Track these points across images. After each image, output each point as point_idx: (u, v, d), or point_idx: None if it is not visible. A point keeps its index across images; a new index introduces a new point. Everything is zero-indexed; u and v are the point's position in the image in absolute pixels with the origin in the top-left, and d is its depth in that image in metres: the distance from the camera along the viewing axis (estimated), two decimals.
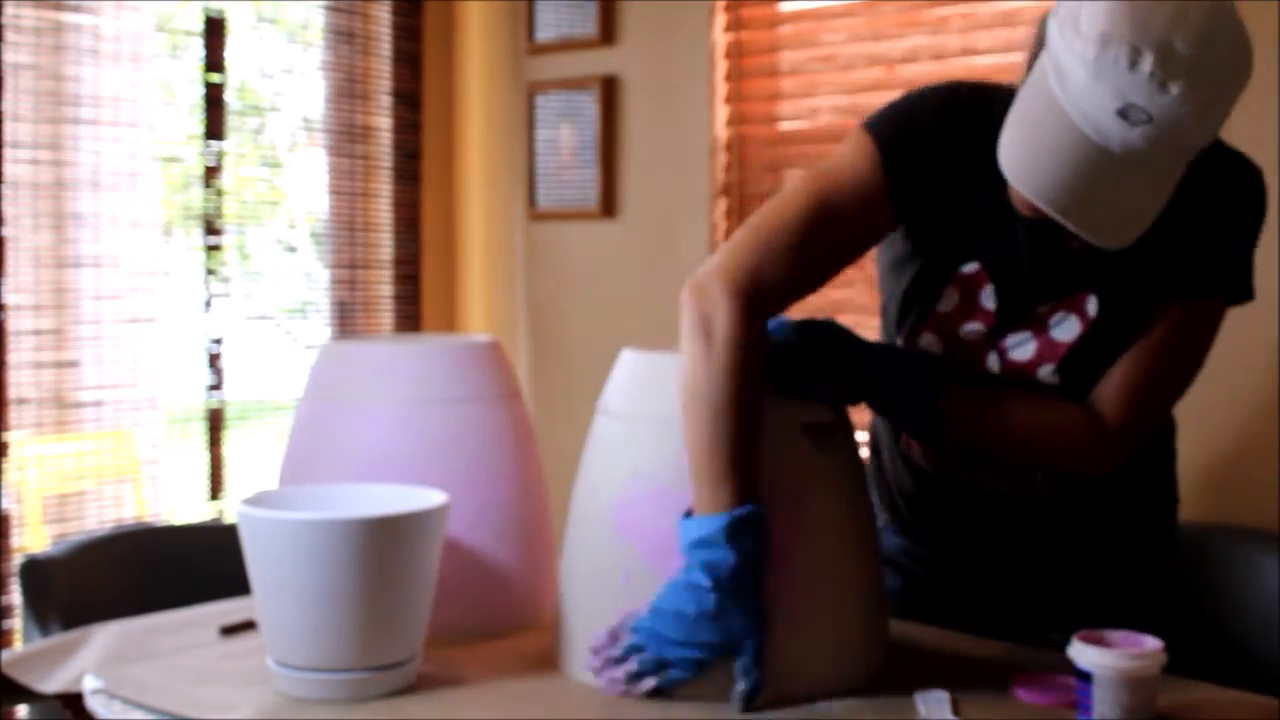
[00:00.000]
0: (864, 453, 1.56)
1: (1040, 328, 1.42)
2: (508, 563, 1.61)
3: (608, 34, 3.27)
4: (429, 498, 1.43)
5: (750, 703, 1.28)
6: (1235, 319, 2.36)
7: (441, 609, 1.48)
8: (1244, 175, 1.41)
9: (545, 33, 3.38)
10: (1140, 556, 1.60)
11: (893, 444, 1.61)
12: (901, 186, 1.39)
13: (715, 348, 1.31)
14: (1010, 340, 1.43)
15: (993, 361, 1.45)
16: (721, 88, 3.14)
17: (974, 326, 1.44)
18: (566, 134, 3.36)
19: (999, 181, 1.30)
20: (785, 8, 3.07)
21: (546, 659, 1.48)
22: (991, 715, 1.29)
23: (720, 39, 3.13)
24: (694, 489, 1.29)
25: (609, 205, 3.30)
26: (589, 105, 3.30)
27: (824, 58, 2.98)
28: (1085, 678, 1.21)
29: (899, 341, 1.50)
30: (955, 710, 1.29)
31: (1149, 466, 1.59)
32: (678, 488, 1.33)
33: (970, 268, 1.44)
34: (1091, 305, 1.41)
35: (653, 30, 3.20)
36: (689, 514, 1.30)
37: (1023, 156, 1.22)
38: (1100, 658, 1.20)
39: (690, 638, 1.27)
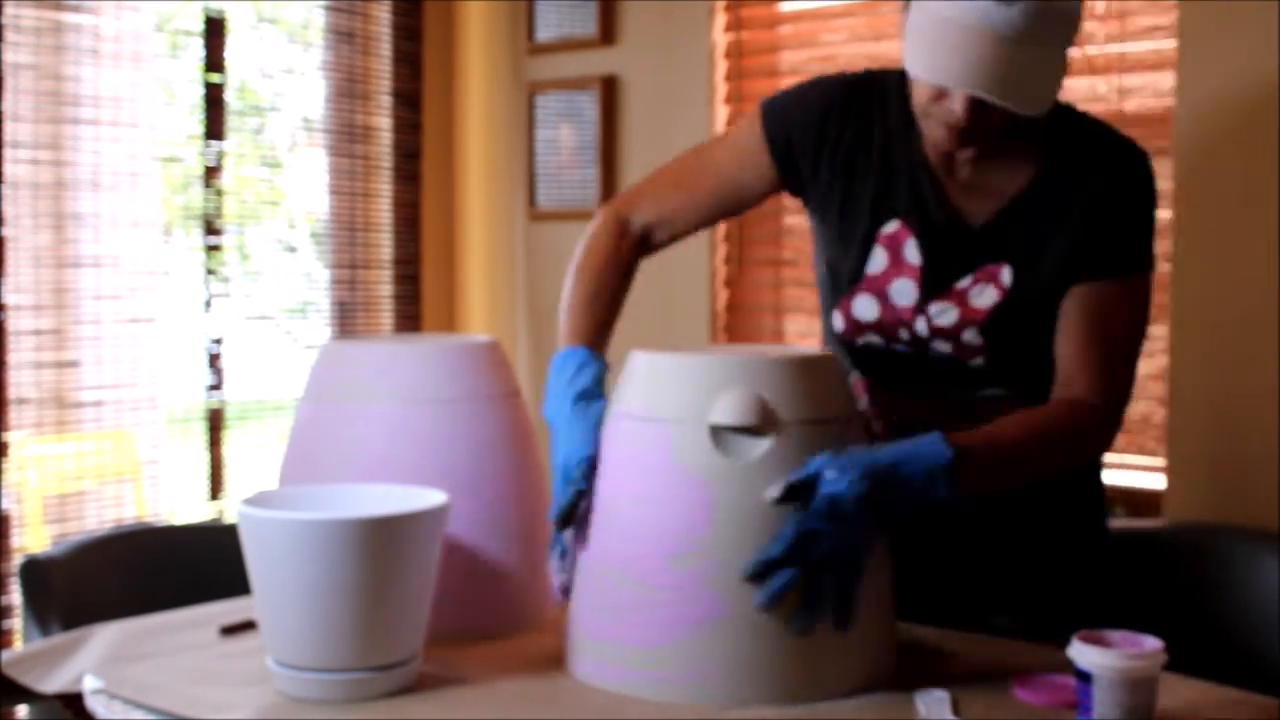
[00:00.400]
0: None
1: (961, 298, 1.53)
2: (508, 563, 1.61)
3: (608, 34, 3.27)
4: (429, 498, 1.43)
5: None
6: (1236, 319, 2.36)
7: (441, 609, 1.48)
8: (1134, 163, 1.52)
9: (545, 33, 3.38)
10: (1072, 537, 1.64)
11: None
12: (777, 131, 1.59)
13: (583, 252, 1.64)
14: (934, 308, 1.54)
15: (920, 326, 1.55)
16: (721, 88, 3.14)
17: (902, 283, 1.55)
18: (566, 134, 3.36)
19: (902, 143, 1.53)
20: (785, 8, 3.07)
21: (546, 659, 1.48)
22: (991, 715, 1.29)
23: (720, 39, 3.13)
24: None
25: None
26: (589, 105, 3.30)
27: (824, 58, 2.98)
28: (1085, 678, 1.21)
29: (837, 311, 1.60)
30: (955, 710, 1.29)
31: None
32: (690, 488, 1.32)
33: (891, 226, 1.55)
34: (1006, 275, 1.52)
35: (653, 30, 3.20)
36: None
37: (928, 57, 1.37)
38: (1100, 658, 1.20)
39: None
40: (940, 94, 1.41)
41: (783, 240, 3.08)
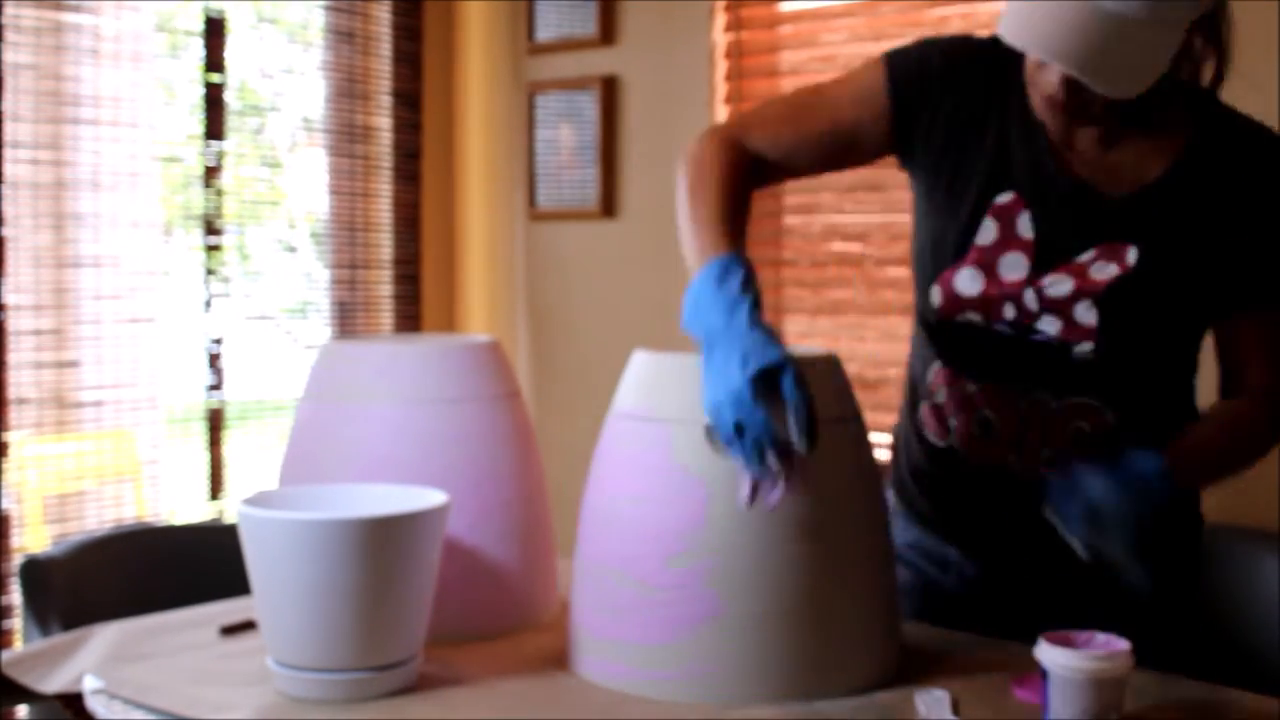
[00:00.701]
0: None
1: (1079, 272, 1.45)
2: (508, 563, 1.61)
3: (608, 34, 3.27)
4: (429, 498, 1.42)
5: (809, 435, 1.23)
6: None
7: (441, 609, 1.48)
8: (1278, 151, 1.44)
9: (545, 33, 3.38)
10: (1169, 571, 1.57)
11: (908, 422, 1.62)
12: (903, 85, 1.48)
13: (697, 166, 1.46)
14: (1048, 279, 1.45)
15: (1029, 299, 1.46)
16: (721, 88, 3.14)
17: (1013, 256, 1.46)
18: (566, 134, 3.36)
19: (1026, 115, 1.43)
20: (785, 8, 3.07)
21: (546, 659, 1.48)
22: (991, 715, 1.29)
23: (720, 39, 3.13)
24: (692, 263, 1.38)
25: (609, 205, 3.30)
26: (589, 105, 3.30)
27: (824, 58, 2.98)
28: (1050, 678, 1.20)
29: (936, 285, 1.50)
30: (955, 710, 1.29)
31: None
32: (689, 487, 1.32)
33: (1005, 198, 1.47)
34: (1131, 255, 1.43)
35: (653, 30, 3.20)
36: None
37: (1024, 22, 1.30)
38: (1059, 657, 1.19)
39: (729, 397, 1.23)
40: (1039, 62, 1.35)
41: (783, 240, 3.09)
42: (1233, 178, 1.42)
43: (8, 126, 2.78)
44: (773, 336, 1.25)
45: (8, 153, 2.78)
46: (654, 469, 1.35)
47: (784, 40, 3.06)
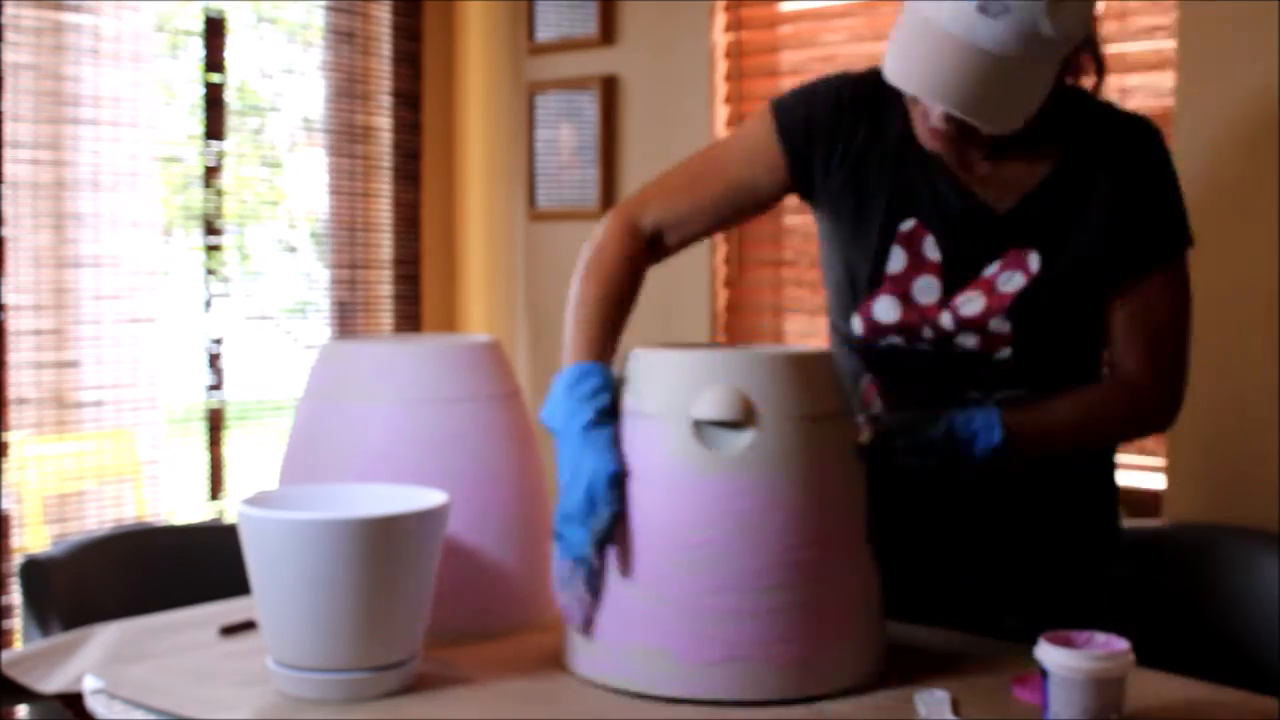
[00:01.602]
0: None
1: (988, 286, 1.51)
2: (508, 563, 1.61)
3: (608, 34, 3.27)
4: (429, 498, 1.43)
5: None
6: (1236, 319, 2.36)
7: (441, 609, 1.48)
8: (1147, 136, 1.52)
9: (545, 33, 3.38)
10: (1086, 538, 1.63)
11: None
12: (792, 131, 1.56)
13: (591, 257, 1.55)
14: (960, 299, 1.52)
15: (946, 320, 1.52)
16: (721, 88, 3.14)
17: (924, 280, 1.53)
18: (566, 134, 3.36)
19: (914, 142, 1.48)
20: (785, 8, 3.07)
21: (546, 659, 1.48)
22: (991, 715, 1.29)
23: (720, 39, 3.13)
24: (563, 359, 1.49)
25: (609, 205, 3.30)
26: (589, 105, 3.30)
27: (824, 58, 2.98)
28: (1050, 678, 1.20)
29: (856, 314, 1.57)
30: (955, 710, 1.29)
31: (1090, 458, 1.65)
32: (691, 484, 1.33)
33: (907, 225, 1.53)
34: (1033, 261, 1.50)
35: (653, 30, 3.20)
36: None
37: (906, 64, 1.34)
38: (1059, 657, 1.19)
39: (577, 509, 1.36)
40: (914, 100, 1.42)
41: (783, 240, 3.08)
42: (1103, 168, 1.49)
43: (8, 126, 2.78)
44: (610, 444, 1.37)
45: (8, 153, 2.78)
46: (652, 467, 1.35)
47: (784, 40, 3.06)
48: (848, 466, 1.40)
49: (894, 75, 1.36)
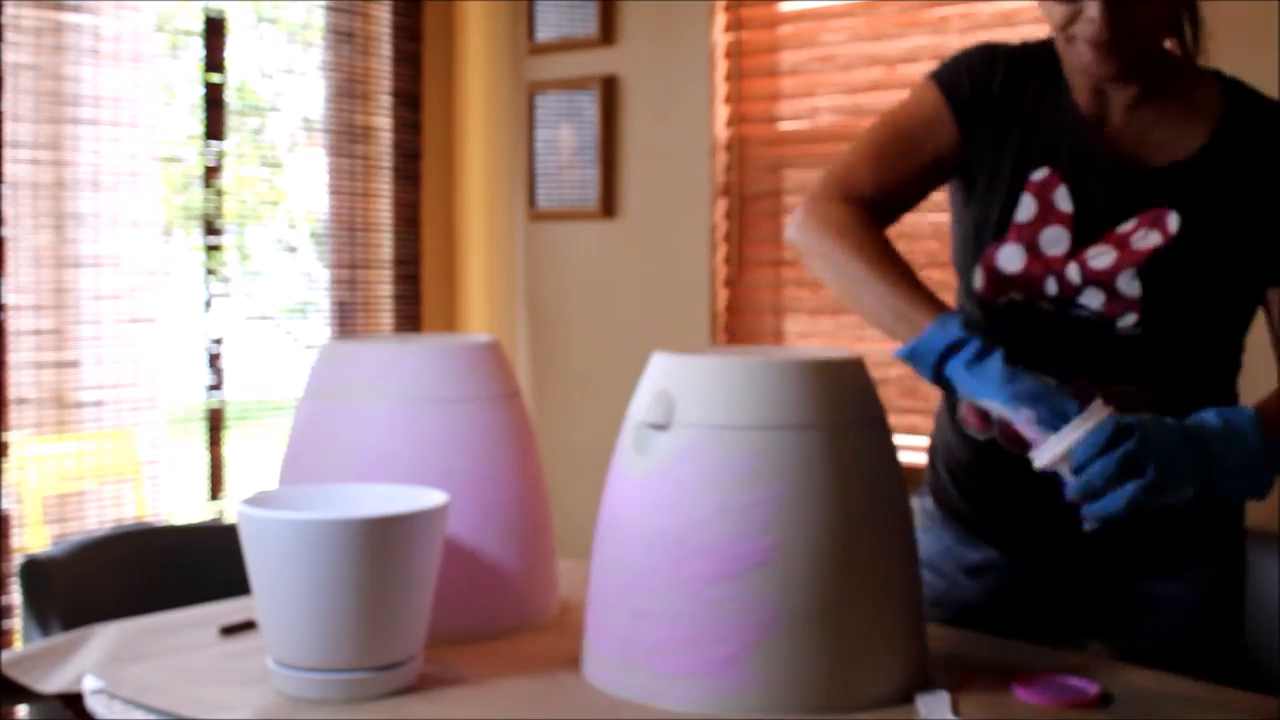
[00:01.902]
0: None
1: (1121, 242, 1.46)
2: (508, 563, 1.61)
3: (608, 34, 3.27)
4: (429, 498, 1.42)
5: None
6: None
7: (441, 609, 1.48)
8: None
9: (545, 33, 3.38)
10: (1201, 560, 1.58)
11: (947, 423, 1.62)
12: (957, 96, 1.53)
13: (847, 232, 1.47)
14: (1090, 252, 1.47)
15: (1072, 272, 1.47)
16: (721, 88, 3.14)
17: (1053, 231, 1.48)
18: (566, 134, 3.36)
19: (1056, 98, 1.49)
20: (785, 8, 3.07)
21: (546, 659, 1.48)
22: (992, 715, 1.29)
23: (720, 39, 3.13)
24: (910, 329, 1.38)
25: (609, 205, 3.30)
26: (589, 105, 3.30)
27: (824, 58, 2.99)
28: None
29: (978, 267, 1.52)
30: (955, 710, 1.29)
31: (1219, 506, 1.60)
32: (711, 491, 1.31)
33: (1040, 174, 1.49)
34: (1172, 221, 1.44)
35: (653, 30, 3.21)
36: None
37: None
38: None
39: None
40: (1075, 12, 1.38)
41: (783, 240, 3.08)
42: (1266, 152, 1.44)
43: (8, 126, 2.78)
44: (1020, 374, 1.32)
45: (8, 153, 2.78)
46: (675, 475, 1.34)
47: (784, 40, 3.06)
48: (883, 472, 1.37)
49: None
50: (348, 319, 3.49)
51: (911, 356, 1.37)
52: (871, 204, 1.52)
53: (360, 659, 1.34)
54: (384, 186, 3.54)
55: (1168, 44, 1.49)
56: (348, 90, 3.45)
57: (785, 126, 3.08)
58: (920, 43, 2.83)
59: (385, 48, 3.51)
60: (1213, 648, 1.54)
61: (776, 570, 1.29)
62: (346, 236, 3.48)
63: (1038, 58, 1.52)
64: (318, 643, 1.33)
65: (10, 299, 2.80)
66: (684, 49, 3.15)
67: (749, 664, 1.29)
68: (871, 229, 1.47)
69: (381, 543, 1.33)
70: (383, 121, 3.52)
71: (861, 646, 1.31)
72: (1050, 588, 1.59)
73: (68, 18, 2.88)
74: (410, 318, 3.59)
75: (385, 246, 3.55)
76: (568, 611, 1.67)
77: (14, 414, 2.80)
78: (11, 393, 2.80)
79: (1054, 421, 1.30)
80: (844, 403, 1.33)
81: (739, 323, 3.15)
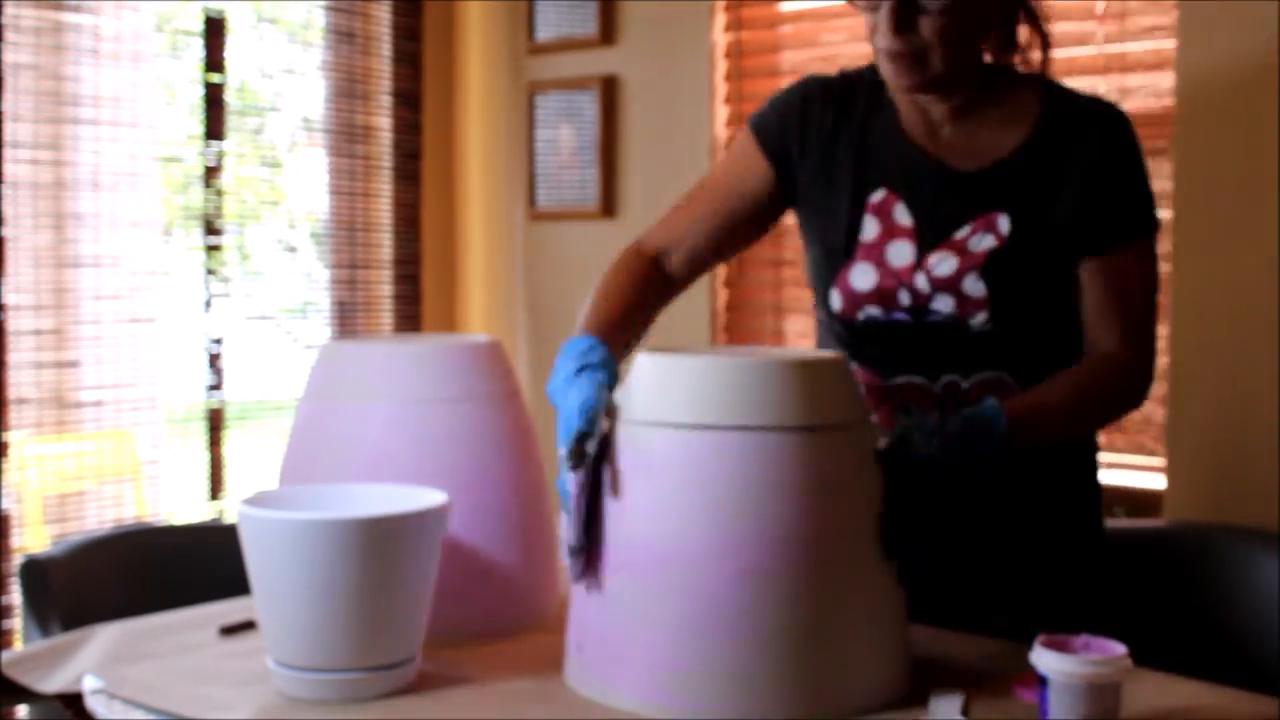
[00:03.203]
0: None
1: (959, 247, 1.55)
2: (508, 563, 1.61)
3: (608, 34, 3.27)
4: (429, 498, 1.42)
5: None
6: (1236, 319, 2.36)
7: (441, 609, 1.48)
8: (1113, 119, 1.56)
9: (545, 33, 3.38)
10: (1071, 536, 1.64)
11: None
12: (769, 137, 1.64)
13: (606, 275, 1.62)
14: (932, 259, 1.56)
15: (920, 282, 1.56)
16: (721, 88, 3.14)
17: (898, 245, 1.57)
18: (566, 134, 3.36)
19: (879, 119, 1.59)
20: (785, 8, 3.07)
21: (547, 659, 1.48)
22: (992, 715, 1.29)
23: (720, 39, 3.13)
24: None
25: (609, 205, 3.30)
26: (589, 105, 3.30)
27: (824, 58, 2.98)
28: (1048, 683, 1.20)
29: (834, 289, 1.60)
30: (965, 711, 1.29)
31: (1076, 451, 1.66)
32: (697, 493, 1.31)
33: (878, 195, 1.59)
34: (1003, 223, 1.54)
35: (653, 30, 3.20)
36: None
37: None
38: (1056, 663, 1.19)
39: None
40: (874, 24, 1.51)
41: (783, 240, 3.08)
42: (1077, 144, 1.54)
43: (8, 126, 2.78)
44: (598, 387, 1.37)
45: (8, 153, 2.78)
46: (658, 477, 1.34)
47: (784, 40, 3.06)
48: (863, 474, 1.37)
49: None
50: (348, 319, 3.49)
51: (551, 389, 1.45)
52: (658, 254, 1.67)
53: (360, 659, 1.34)
54: (384, 186, 3.53)
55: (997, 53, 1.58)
56: (348, 90, 3.45)
57: None
58: None
59: (385, 48, 3.51)
60: (1082, 607, 1.60)
61: (758, 573, 1.28)
62: (346, 236, 3.48)
63: (862, 82, 1.62)
64: (317, 643, 1.33)
65: (10, 299, 2.80)
66: (684, 49, 3.15)
67: (732, 667, 1.29)
68: (624, 272, 1.62)
69: (381, 543, 1.32)
70: (383, 121, 3.52)
71: (847, 648, 1.31)
72: (945, 570, 1.60)
73: (68, 18, 2.88)
74: (410, 318, 3.59)
75: (385, 246, 3.54)
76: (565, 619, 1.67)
77: (14, 414, 2.80)
78: (11, 393, 2.80)
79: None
80: (826, 403, 1.33)
81: (739, 322, 3.15)
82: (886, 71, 1.53)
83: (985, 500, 1.55)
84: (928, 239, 1.56)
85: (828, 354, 1.40)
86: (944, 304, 1.55)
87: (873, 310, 1.58)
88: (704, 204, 1.68)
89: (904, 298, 1.56)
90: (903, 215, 1.57)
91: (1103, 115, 1.56)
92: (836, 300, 1.60)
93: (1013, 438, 1.42)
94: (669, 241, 1.67)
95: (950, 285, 1.54)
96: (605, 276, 1.63)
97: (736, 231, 1.69)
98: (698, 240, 1.67)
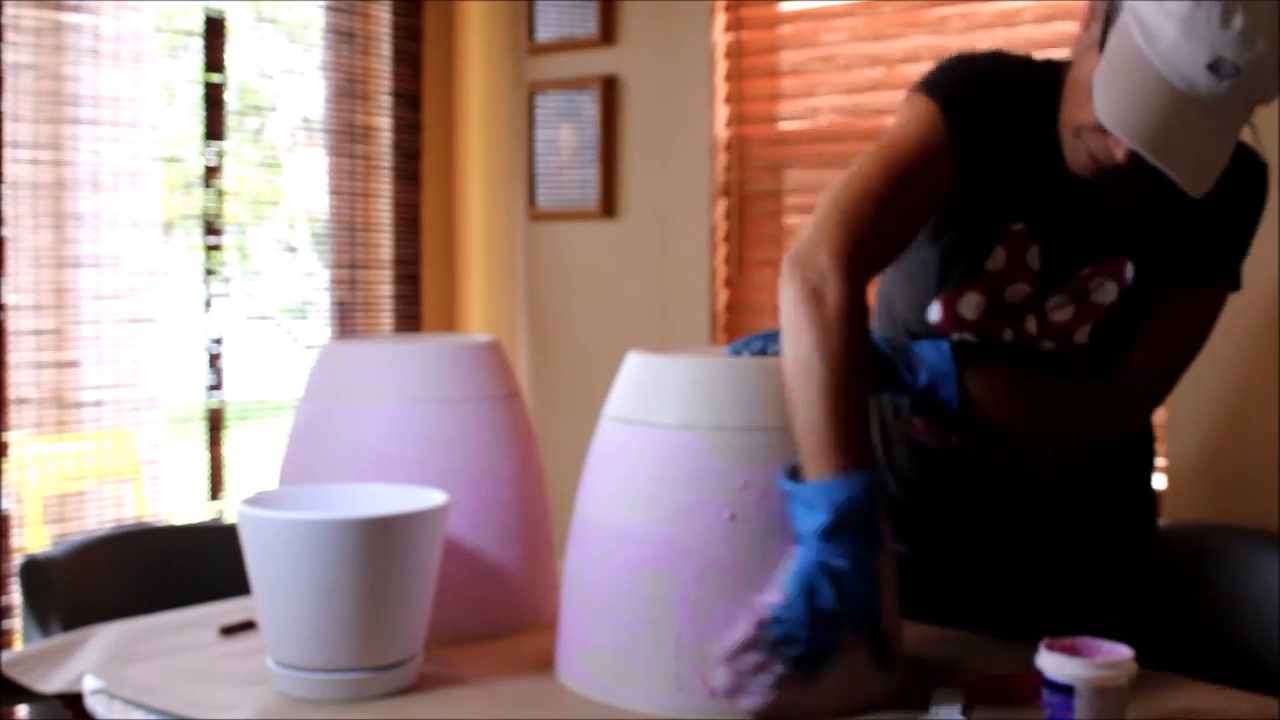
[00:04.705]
0: None
1: (1080, 291, 1.47)
2: (508, 563, 1.61)
3: (608, 34, 3.27)
4: (429, 498, 1.43)
5: (884, 663, 1.26)
6: (1236, 319, 2.36)
7: (441, 609, 1.48)
8: (1257, 170, 1.48)
9: (545, 33, 3.38)
10: (1124, 555, 1.62)
11: (894, 428, 1.62)
12: (962, 138, 1.43)
13: (830, 315, 1.31)
14: (1050, 303, 1.48)
15: (1031, 325, 1.48)
16: (721, 88, 3.14)
17: (1018, 287, 1.48)
18: (566, 134, 3.36)
19: (1048, 143, 1.41)
20: (785, 8, 3.07)
21: (546, 659, 1.48)
22: (992, 715, 1.29)
23: (720, 39, 3.13)
24: (810, 457, 1.25)
25: (609, 205, 3.30)
26: (589, 105, 3.30)
27: (824, 58, 2.98)
28: (1053, 686, 1.20)
29: (936, 303, 1.50)
30: (966, 711, 1.29)
31: (1135, 457, 1.63)
32: (683, 494, 1.31)
33: (1015, 226, 1.47)
34: (1129, 271, 1.47)
35: (653, 30, 3.20)
36: (794, 475, 1.26)
37: (1115, 102, 1.26)
38: (1062, 666, 1.19)
39: (829, 618, 1.20)
40: (1104, 128, 1.31)
41: (783, 240, 3.08)
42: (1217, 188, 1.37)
43: (8, 126, 2.78)
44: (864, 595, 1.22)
45: (8, 153, 2.78)
46: (645, 475, 1.34)
47: (784, 40, 3.06)
48: None
49: (1103, 113, 1.27)
50: (348, 319, 3.49)
51: (790, 496, 1.26)
52: (878, 260, 1.42)
53: (360, 659, 1.34)
54: (384, 186, 3.53)
55: None
56: (348, 90, 3.45)
57: (785, 126, 3.08)
58: (920, 43, 2.82)
59: (385, 48, 3.51)
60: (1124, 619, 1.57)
61: (746, 572, 1.28)
62: (346, 236, 3.48)
63: (1043, 90, 1.43)
64: (318, 643, 1.33)
65: (10, 299, 2.80)
66: (684, 49, 3.15)
67: (719, 666, 1.29)
68: (857, 329, 1.32)
69: (381, 543, 1.33)
70: (383, 121, 3.52)
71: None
72: (997, 583, 1.60)
73: (68, 18, 2.88)
74: (410, 318, 3.59)
75: (385, 246, 3.54)
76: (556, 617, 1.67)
77: (14, 414, 2.80)
78: (11, 393, 2.79)
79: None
80: None
81: (739, 323, 3.15)
82: (1076, 156, 1.38)
83: (1028, 504, 1.55)
84: (1049, 281, 1.48)
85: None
86: (1048, 344, 1.49)
87: (969, 336, 1.50)
88: (912, 207, 1.43)
89: (1008, 335, 1.49)
90: (1034, 259, 1.47)
91: (1245, 158, 1.46)
92: (936, 313, 1.50)
93: (961, 379, 1.39)
94: (886, 249, 1.43)
95: (1061, 332, 1.48)
96: (845, 324, 1.31)
97: (926, 222, 1.48)
98: (902, 246, 1.46)
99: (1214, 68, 1.22)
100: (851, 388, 1.28)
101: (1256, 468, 2.29)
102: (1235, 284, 1.51)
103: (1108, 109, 1.27)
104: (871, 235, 1.37)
